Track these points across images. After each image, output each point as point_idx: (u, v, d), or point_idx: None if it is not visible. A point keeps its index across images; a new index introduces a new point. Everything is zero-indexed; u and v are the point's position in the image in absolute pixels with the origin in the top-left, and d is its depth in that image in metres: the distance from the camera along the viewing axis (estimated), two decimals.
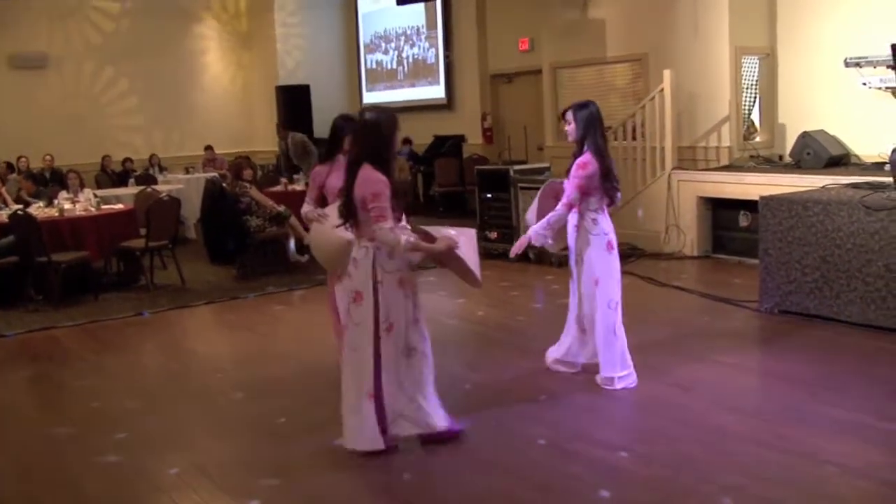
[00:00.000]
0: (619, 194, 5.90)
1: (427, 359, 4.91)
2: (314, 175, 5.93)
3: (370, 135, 4.73)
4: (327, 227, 5.48)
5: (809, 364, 6.15)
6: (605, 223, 5.78)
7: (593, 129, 5.76)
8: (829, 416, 5.13)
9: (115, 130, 17.12)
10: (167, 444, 5.26)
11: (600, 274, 5.75)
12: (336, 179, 5.61)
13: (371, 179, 4.61)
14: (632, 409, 5.49)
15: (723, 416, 5.23)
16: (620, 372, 5.76)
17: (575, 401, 5.65)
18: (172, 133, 17.92)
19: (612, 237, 5.81)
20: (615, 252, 5.82)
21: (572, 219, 5.79)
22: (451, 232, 4.93)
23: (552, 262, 9.85)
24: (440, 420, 4.93)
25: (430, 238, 4.85)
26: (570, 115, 5.80)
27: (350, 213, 4.75)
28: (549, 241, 5.84)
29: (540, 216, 5.82)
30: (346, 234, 5.38)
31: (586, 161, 5.69)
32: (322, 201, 5.84)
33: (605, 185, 5.74)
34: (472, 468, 4.68)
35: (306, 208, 5.82)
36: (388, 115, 4.80)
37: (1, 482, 4.90)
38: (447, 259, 4.98)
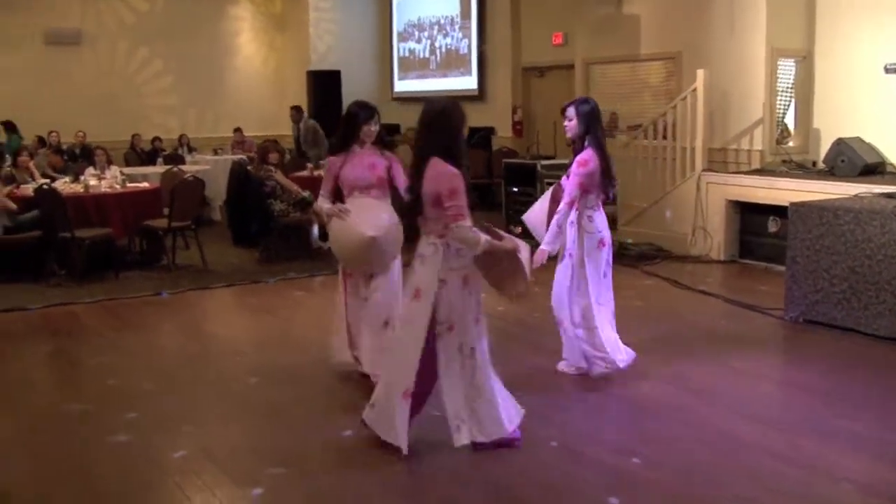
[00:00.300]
0: (612, 190, 5.85)
1: (485, 358, 4.73)
2: (329, 165, 5.81)
3: (439, 126, 4.52)
4: (348, 224, 5.49)
5: (831, 375, 6.05)
6: (601, 221, 5.78)
7: (594, 125, 5.72)
8: (848, 431, 5.03)
9: (147, 109, 17.19)
10: (177, 427, 5.24)
11: (589, 272, 5.75)
12: (351, 170, 5.63)
13: (446, 174, 4.40)
14: (645, 412, 5.40)
15: (738, 423, 5.14)
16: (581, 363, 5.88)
17: (587, 401, 5.61)
18: (203, 114, 17.96)
19: (606, 234, 5.79)
20: (606, 249, 5.79)
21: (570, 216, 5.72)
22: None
23: None
24: (500, 426, 4.74)
25: (497, 236, 4.64)
26: (571, 112, 5.71)
27: (416, 210, 4.54)
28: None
29: (547, 218, 5.76)
30: (368, 229, 5.39)
31: (587, 158, 5.64)
32: (337, 193, 5.73)
33: (604, 181, 5.69)
34: (481, 468, 4.63)
35: (322, 202, 5.72)
36: (455, 104, 4.60)
37: (11, 458, 4.90)
38: (501, 260, 4.65)
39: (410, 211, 4.62)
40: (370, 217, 5.54)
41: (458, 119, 4.57)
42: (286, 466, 4.65)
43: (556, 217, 5.64)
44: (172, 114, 17.51)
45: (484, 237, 4.48)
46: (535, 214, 5.99)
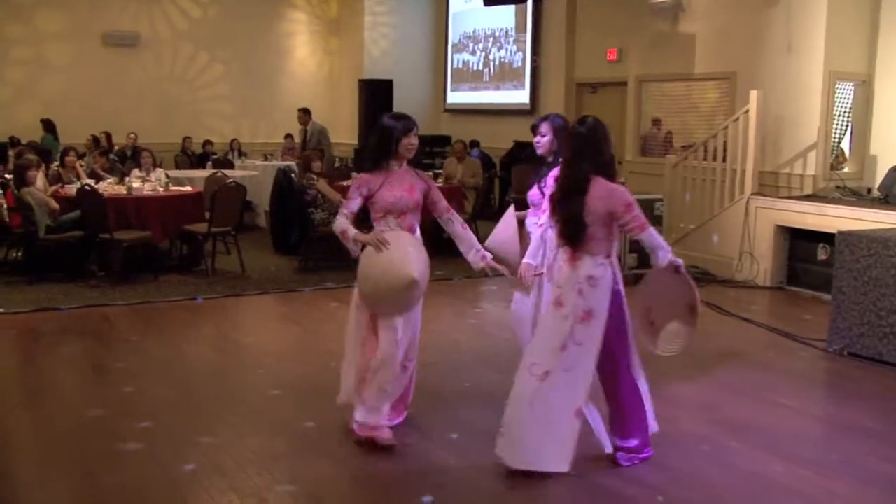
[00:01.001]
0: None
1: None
2: (360, 183, 5.07)
3: (594, 145, 4.58)
4: (388, 259, 4.83)
5: (874, 415, 5.75)
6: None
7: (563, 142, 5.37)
8: (889, 477, 4.75)
9: (201, 113, 17.31)
10: (190, 438, 5.13)
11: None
12: (389, 192, 4.96)
13: (617, 192, 4.53)
14: (673, 446, 5.13)
15: (771, 463, 4.89)
16: None
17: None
18: (256, 119, 18.02)
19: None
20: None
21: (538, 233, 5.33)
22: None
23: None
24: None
25: None
26: (545, 127, 5.37)
27: (579, 233, 4.54)
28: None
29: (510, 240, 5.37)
30: (412, 270, 4.79)
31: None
32: (364, 214, 5.19)
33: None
34: (498, 499, 4.45)
35: (345, 224, 5.07)
36: (598, 121, 4.67)
37: (22, 461, 4.84)
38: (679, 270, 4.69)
39: (570, 236, 4.58)
40: (413, 254, 4.90)
41: (608, 135, 4.65)
42: (295, 484, 4.52)
43: (539, 230, 5.29)
44: (226, 118, 17.61)
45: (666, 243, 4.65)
46: (501, 235, 5.44)
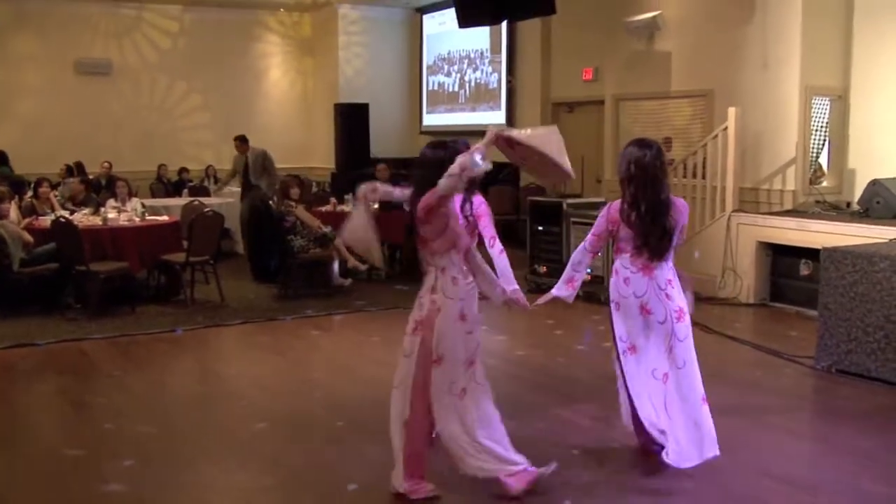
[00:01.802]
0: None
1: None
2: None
3: (664, 166, 4.94)
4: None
5: (867, 433, 5.69)
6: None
7: None
8: (888, 497, 4.69)
9: (175, 140, 17.16)
10: (175, 476, 5.00)
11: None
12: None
13: (684, 206, 5.06)
14: (662, 468, 5.02)
15: (764, 485, 4.82)
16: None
17: (608, 459, 5.25)
18: (230, 145, 17.83)
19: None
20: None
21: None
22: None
23: (601, 300, 9.47)
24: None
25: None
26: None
27: (669, 246, 4.93)
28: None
29: None
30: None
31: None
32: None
33: None
34: None
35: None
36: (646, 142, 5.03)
37: None
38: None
39: (663, 250, 4.92)
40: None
41: None
42: None
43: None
44: (200, 144, 17.47)
45: None
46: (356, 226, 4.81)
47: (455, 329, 4.41)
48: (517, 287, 5.04)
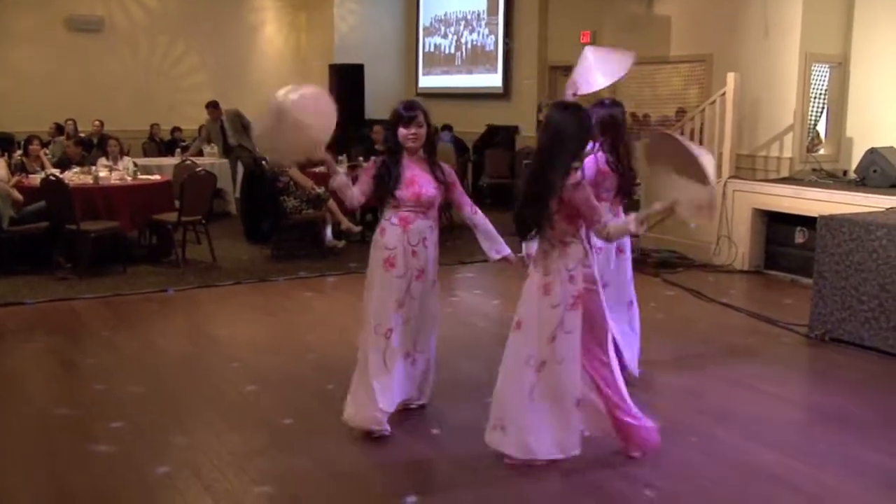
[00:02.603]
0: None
1: None
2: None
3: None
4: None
5: (861, 402, 5.68)
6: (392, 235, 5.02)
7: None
8: (880, 466, 4.67)
9: (169, 98, 16.88)
10: (164, 438, 4.96)
11: None
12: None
13: None
14: (660, 437, 5.05)
15: (759, 453, 4.79)
16: None
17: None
18: (225, 103, 17.68)
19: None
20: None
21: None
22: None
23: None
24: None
25: None
26: (423, 118, 4.98)
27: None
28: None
29: None
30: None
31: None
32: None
33: None
34: (484, 497, 4.33)
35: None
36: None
37: None
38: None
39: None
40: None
41: None
42: (274, 485, 4.38)
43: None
44: (194, 104, 17.20)
45: None
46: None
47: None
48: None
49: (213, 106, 13.94)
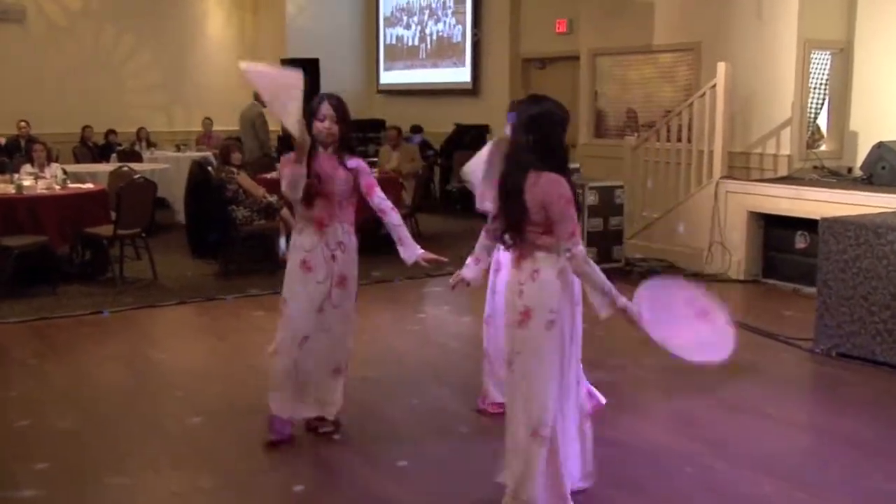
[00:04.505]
0: None
1: None
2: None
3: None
4: None
5: (872, 424, 5.66)
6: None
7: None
8: (893, 495, 4.63)
9: (101, 99, 16.66)
10: (98, 479, 4.83)
11: None
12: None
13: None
14: (651, 465, 4.99)
15: (760, 483, 4.75)
16: None
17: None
18: (166, 104, 17.54)
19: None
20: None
21: None
22: None
23: None
24: None
25: None
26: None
27: None
28: None
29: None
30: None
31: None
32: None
33: None
34: None
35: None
36: None
37: None
38: None
39: None
40: None
41: None
42: None
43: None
44: (131, 105, 17.05)
45: None
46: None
47: None
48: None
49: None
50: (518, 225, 4.00)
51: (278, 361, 5.28)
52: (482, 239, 4.61)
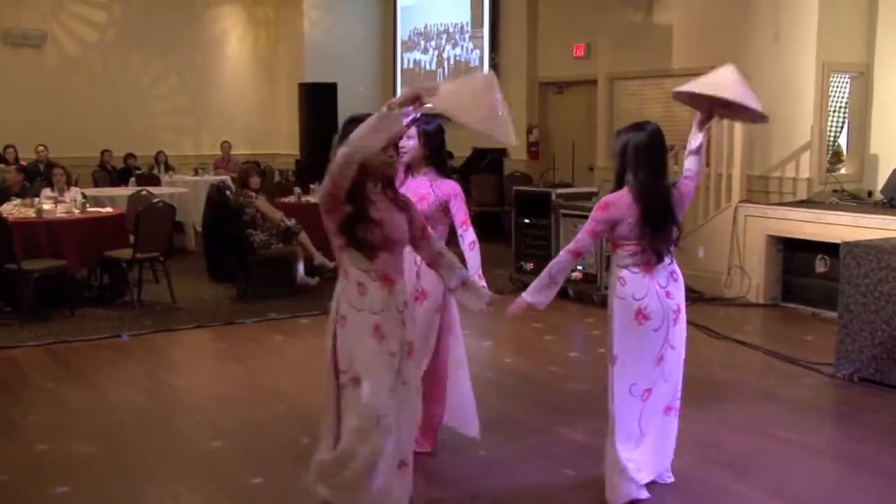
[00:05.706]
0: None
1: None
2: None
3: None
4: None
5: (895, 450, 5.61)
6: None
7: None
8: None
9: (121, 123, 16.77)
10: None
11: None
12: None
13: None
14: (672, 492, 4.97)
15: None
16: None
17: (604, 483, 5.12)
18: (185, 128, 17.66)
19: None
20: None
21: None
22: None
23: (594, 300, 9.42)
24: None
25: None
26: (413, 130, 5.04)
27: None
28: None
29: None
30: None
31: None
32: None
33: None
34: None
35: None
36: None
37: None
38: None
39: None
40: None
41: None
42: None
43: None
44: (150, 128, 17.15)
45: None
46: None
47: None
48: None
49: None
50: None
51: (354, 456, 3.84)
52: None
